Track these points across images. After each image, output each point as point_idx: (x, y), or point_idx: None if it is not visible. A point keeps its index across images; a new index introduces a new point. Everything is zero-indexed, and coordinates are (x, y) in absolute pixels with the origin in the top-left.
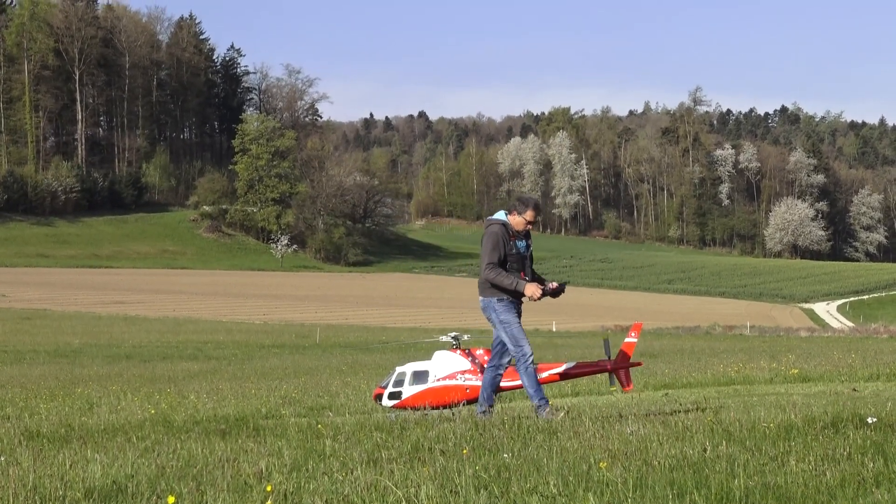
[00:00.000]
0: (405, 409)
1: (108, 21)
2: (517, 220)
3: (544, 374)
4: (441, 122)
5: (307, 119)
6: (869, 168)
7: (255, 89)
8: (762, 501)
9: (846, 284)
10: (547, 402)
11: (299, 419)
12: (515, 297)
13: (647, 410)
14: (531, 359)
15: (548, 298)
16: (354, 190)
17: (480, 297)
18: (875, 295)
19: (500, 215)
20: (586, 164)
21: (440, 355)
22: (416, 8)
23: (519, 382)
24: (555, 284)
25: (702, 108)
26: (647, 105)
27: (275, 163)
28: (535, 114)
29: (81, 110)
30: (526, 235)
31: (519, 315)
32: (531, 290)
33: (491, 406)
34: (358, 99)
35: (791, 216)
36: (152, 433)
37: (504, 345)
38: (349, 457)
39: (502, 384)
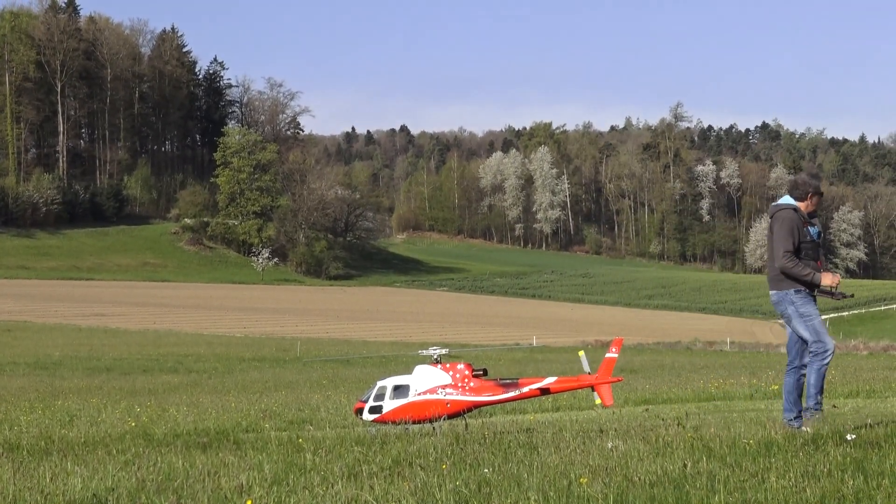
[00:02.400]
0: (386, 423)
1: (90, 33)
2: (805, 203)
3: (525, 389)
4: (423, 136)
5: (289, 132)
6: (849, 185)
7: (237, 102)
8: None
9: (826, 301)
10: (820, 407)
11: (280, 433)
12: (809, 289)
13: (628, 426)
14: (830, 356)
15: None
16: (336, 203)
17: (773, 291)
18: (855, 312)
19: (788, 199)
20: (567, 180)
21: (421, 369)
22: (398, 22)
23: (498, 398)
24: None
25: (683, 124)
26: (628, 120)
27: (256, 176)
28: (516, 128)
29: (63, 122)
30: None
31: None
32: (829, 278)
33: (801, 412)
34: (339, 112)
35: None
36: (132, 446)
37: (804, 343)
38: (330, 471)
39: (481, 399)
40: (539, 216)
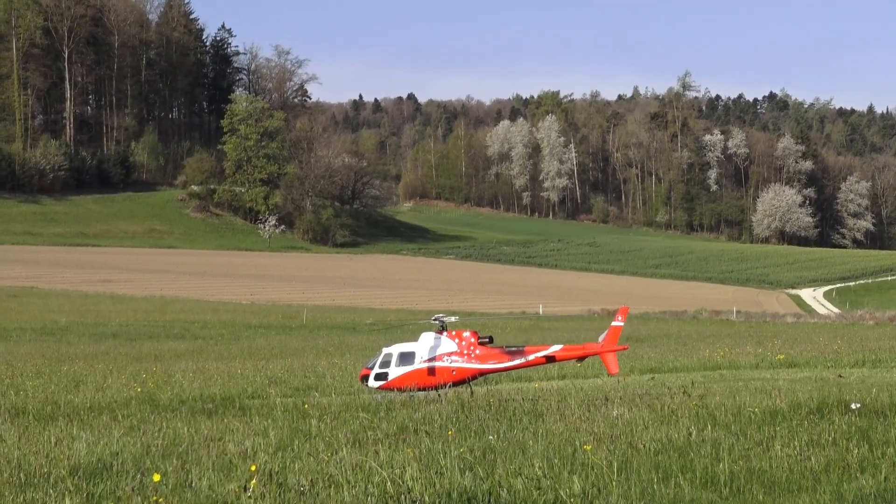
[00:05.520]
0: (391, 390)
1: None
2: None
3: (531, 357)
4: (430, 104)
5: (296, 100)
6: (857, 155)
7: (245, 70)
8: (747, 486)
9: (833, 271)
10: None
11: (285, 399)
12: None
13: (633, 394)
14: None
15: None
16: (343, 171)
17: None
18: (861, 282)
19: None
20: (575, 148)
21: (427, 337)
22: None
23: (504, 365)
24: None
25: (691, 94)
26: (636, 90)
27: (263, 143)
28: (524, 97)
29: (70, 89)
30: None
31: None
32: None
33: None
34: (347, 80)
35: (779, 202)
36: (138, 412)
37: None
38: (335, 437)
39: (487, 367)
40: (546, 185)
